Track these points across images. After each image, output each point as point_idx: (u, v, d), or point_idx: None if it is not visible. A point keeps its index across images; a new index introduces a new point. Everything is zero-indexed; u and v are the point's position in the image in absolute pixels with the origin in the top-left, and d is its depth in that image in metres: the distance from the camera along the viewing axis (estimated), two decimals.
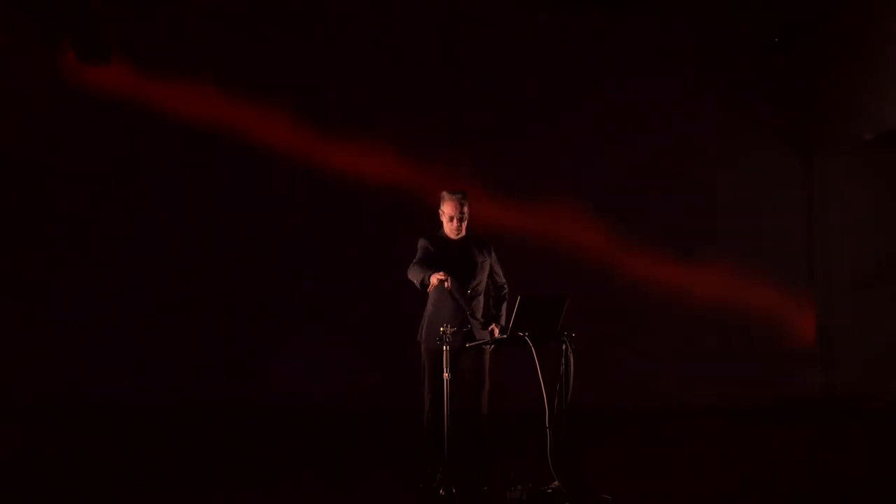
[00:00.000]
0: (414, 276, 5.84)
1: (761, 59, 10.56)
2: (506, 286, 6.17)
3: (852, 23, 10.02)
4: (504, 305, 6.08)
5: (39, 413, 9.66)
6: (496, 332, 5.88)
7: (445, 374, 5.63)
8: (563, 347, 5.70)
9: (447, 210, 6.00)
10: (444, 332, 5.57)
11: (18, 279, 10.37)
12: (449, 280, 5.67)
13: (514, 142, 10.57)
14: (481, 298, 6.07)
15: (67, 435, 8.75)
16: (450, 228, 6.01)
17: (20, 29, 10.10)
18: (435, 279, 5.68)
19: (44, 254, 10.43)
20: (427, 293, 5.93)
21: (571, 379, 5.68)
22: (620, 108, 10.62)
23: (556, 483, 5.58)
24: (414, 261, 5.93)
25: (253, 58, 10.60)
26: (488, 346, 5.92)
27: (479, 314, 5.95)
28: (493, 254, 6.14)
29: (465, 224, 6.00)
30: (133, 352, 10.36)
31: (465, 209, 5.99)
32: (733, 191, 10.67)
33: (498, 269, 6.18)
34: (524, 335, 5.61)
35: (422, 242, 6.02)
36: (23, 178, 10.42)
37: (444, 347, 5.60)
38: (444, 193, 6.04)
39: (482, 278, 6.03)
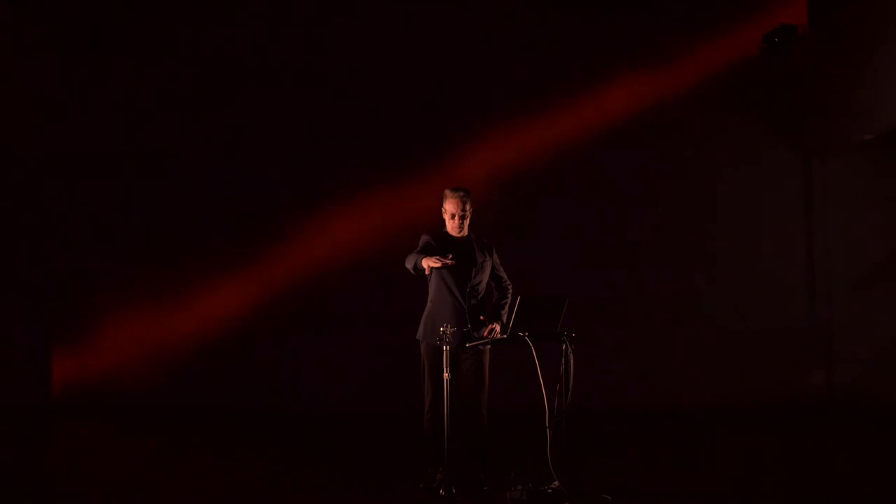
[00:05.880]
0: (408, 261, 5.83)
1: (761, 59, 10.56)
2: (510, 286, 6.16)
3: (852, 23, 10.03)
4: (507, 304, 6.07)
5: (48, 413, 9.69)
6: (497, 330, 5.87)
7: (445, 374, 5.62)
8: (563, 347, 5.69)
9: (449, 207, 5.99)
10: (444, 331, 5.55)
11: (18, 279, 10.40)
12: (446, 259, 5.63)
13: (512, 142, 10.57)
14: (482, 298, 6.06)
15: (75, 435, 8.77)
16: (451, 226, 6.00)
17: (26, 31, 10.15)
18: (426, 264, 5.66)
19: (45, 254, 10.46)
20: (424, 278, 5.93)
21: (571, 379, 5.68)
22: (619, 109, 10.63)
23: (556, 483, 5.57)
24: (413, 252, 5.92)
25: (251, 58, 10.64)
26: (487, 346, 5.92)
27: (479, 314, 5.94)
28: (496, 254, 6.13)
29: (466, 222, 5.99)
30: (134, 353, 10.38)
31: (468, 207, 5.97)
32: (733, 191, 10.67)
33: (501, 270, 6.17)
34: (524, 335, 5.60)
35: (424, 237, 6.02)
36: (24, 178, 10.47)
37: (444, 347, 5.59)
38: (447, 191, 6.03)
39: (483, 278, 6.02)
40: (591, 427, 8.05)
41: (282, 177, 10.52)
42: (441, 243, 5.96)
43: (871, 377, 10.12)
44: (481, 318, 5.91)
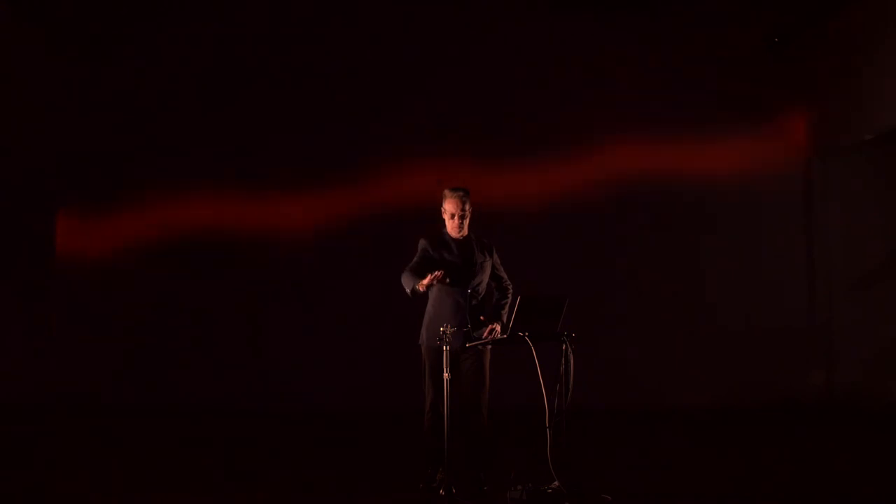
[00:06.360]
0: (405, 283, 5.81)
1: (761, 59, 10.56)
2: (510, 286, 6.15)
3: (852, 22, 10.02)
4: (507, 304, 6.06)
5: (47, 413, 9.70)
6: (497, 330, 5.85)
7: (445, 374, 5.62)
8: (563, 347, 5.69)
9: (449, 207, 5.99)
10: (444, 332, 5.55)
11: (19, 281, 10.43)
12: (440, 276, 5.64)
13: (513, 141, 10.58)
14: (482, 298, 6.05)
15: (71, 435, 8.77)
16: (451, 226, 5.99)
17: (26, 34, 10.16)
18: (422, 287, 5.67)
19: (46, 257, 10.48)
20: (424, 295, 5.93)
21: (571, 379, 5.67)
22: (619, 109, 10.64)
23: (556, 483, 5.57)
24: (409, 265, 5.90)
25: (249, 56, 10.66)
26: (488, 346, 5.91)
27: (480, 314, 5.93)
28: (496, 255, 6.12)
29: (466, 222, 5.99)
30: (133, 353, 10.39)
31: (467, 206, 5.97)
32: (733, 190, 10.67)
33: (501, 270, 6.16)
34: (524, 335, 5.60)
35: (421, 244, 6.00)
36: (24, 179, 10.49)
37: (445, 347, 5.58)
38: (446, 191, 6.03)
39: (483, 278, 6.01)
40: (591, 427, 8.04)
41: (282, 176, 10.53)
42: (439, 246, 5.96)
43: (871, 377, 10.12)
44: (481, 318, 5.91)
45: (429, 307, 5.99)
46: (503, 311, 6.02)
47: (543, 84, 10.64)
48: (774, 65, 10.61)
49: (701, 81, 10.68)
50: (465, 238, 6.02)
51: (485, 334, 5.83)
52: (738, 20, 10.57)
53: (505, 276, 6.17)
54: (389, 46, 10.61)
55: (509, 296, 6.10)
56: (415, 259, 5.93)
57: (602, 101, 10.62)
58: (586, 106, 10.62)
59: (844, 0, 9.90)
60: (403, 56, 10.60)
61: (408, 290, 5.79)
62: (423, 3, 10.60)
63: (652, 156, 10.63)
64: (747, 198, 10.67)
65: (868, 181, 10.38)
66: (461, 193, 5.97)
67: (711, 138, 10.69)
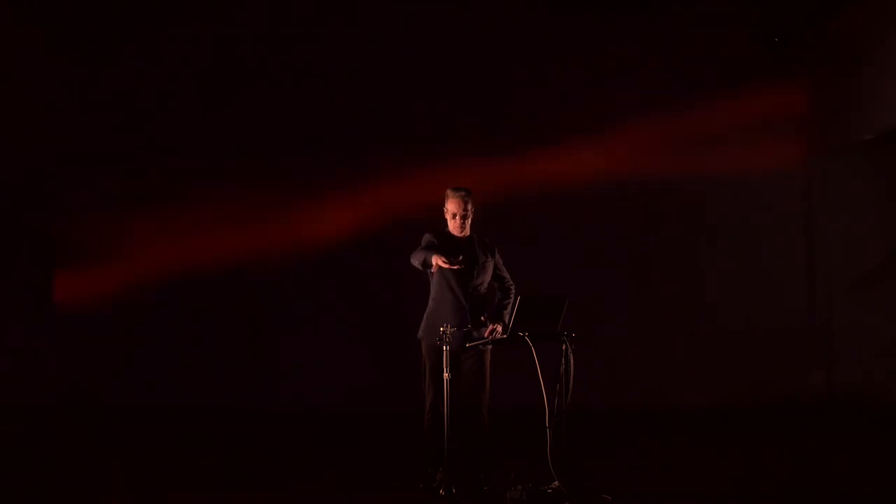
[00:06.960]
0: (416, 258, 5.83)
1: (761, 59, 10.56)
2: (513, 286, 6.15)
3: (852, 22, 10.02)
4: (510, 305, 6.05)
5: (47, 413, 9.70)
6: (499, 330, 5.85)
7: (445, 374, 5.62)
8: (563, 347, 5.69)
9: (450, 207, 5.99)
10: (444, 331, 5.55)
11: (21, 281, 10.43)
12: (455, 261, 5.65)
13: (513, 141, 10.58)
14: (484, 298, 6.05)
15: (71, 435, 8.77)
16: (453, 226, 5.99)
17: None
18: (436, 261, 5.66)
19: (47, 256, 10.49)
20: (429, 284, 5.94)
21: (571, 379, 5.67)
22: (619, 109, 10.63)
23: (556, 483, 5.57)
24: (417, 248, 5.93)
25: (249, 57, 10.66)
26: (489, 346, 5.91)
27: (481, 314, 5.93)
28: (498, 255, 6.12)
29: (468, 222, 5.99)
30: (133, 353, 10.39)
31: (469, 206, 5.97)
32: (733, 191, 10.67)
33: (503, 270, 6.16)
34: (524, 335, 5.60)
35: (426, 236, 6.02)
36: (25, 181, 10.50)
37: (445, 347, 5.58)
38: (448, 191, 6.03)
39: (485, 279, 6.01)
40: (591, 427, 8.04)
41: (281, 177, 10.53)
42: (443, 243, 5.96)
43: (871, 377, 10.11)
44: (483, 318, 5.91)
45: (430, 305, 5.99)
46: (505, 312, 6.01)
47: (543, 84, 10.64)
48: (774, 65, 10.61)
49: (701, 81, 10.68)
50: (467, 238, 6.02)
51: (486, 334, 5.83)
52: (738, 20, 10.57)
53: (507, 276, 6.17)
54: (389, 46, 10.61)
55: (512, 296, 6.09)
56: (422, 246, 5.94)
57: (602, 101, 10.61)
58: (586, 106, 10.62)
59: (844, 0, 9.90)
60: (403, 56, 10.61)
61: (417, 263, 5.81)
62: (423, 3, 10.60)
63: (652, 156, 10.63)
64: (747, 198, 10.67)
65: (868, 181, 10.37)
66: (463, 193, 5.98)
67: (711, 138, 10.69)
